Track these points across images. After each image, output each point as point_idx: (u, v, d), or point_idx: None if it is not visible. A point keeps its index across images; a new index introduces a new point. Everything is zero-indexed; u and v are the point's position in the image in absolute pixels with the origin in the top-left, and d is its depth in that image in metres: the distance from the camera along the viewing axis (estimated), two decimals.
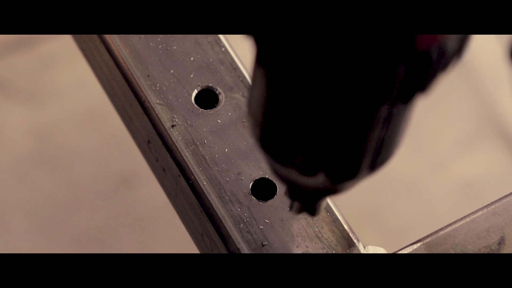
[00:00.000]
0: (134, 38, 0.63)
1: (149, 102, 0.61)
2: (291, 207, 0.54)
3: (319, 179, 0.45)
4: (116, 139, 1.64)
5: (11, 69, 1.71)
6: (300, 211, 0.53)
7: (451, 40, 0.38)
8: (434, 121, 1.76)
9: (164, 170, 0.62)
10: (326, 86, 0.38)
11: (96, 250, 1.56)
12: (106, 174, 1.63)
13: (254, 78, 0.43)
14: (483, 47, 1.83)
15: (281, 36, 0.38)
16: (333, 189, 0.49)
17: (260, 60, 0.40)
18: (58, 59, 1.73)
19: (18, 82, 1.71)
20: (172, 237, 1.57)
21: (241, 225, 0.58)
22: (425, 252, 0.58)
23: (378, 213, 1.65)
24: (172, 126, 0.60)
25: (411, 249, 0.59)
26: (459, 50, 0.40)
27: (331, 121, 0.41)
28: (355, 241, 0.58)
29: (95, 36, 0.64)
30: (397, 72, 0.37)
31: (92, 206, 1.60)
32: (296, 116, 0.42)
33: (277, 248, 0.57)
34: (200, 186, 0.59)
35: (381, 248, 0.59)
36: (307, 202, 0.52)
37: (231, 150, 0.60)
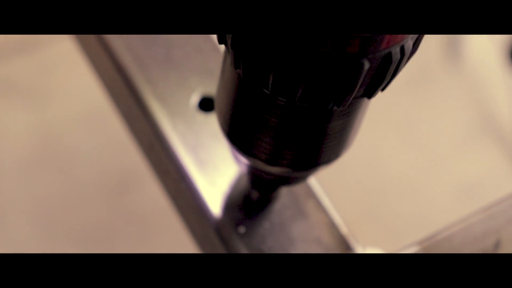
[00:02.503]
0: (136, 43, 0.64)
1: (150, 107, 0.62)
2: (250, 195, 0.58)
3: (281, 169, 0.49)
4: (117, 140, 1.64)
5: (14, 71, 1.72)
6: (257, 199, 0.58)
7: (408, 40, 0.41)
8: (432, 122, 1.77)
9: (165, 174, 0.63)
10: (291, 83, 0.42)
11: (96, 250, 1.56)
12: (107, 175, 1.63)
13: (222, 76, 0.47)
14: (482, 48, 1.83)
15: (254, 40, 0.41)
16: (293, 179, 0.53)
17: (233, 63, 0.44)
18: (61, 61, 1.73)
19: (21, 83, 1.71)
20: (172, 237, 1.57)
21: (241, 229, 0.58)
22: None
23: (376, 213, 1.65)
24: (176, 134, 0.61)
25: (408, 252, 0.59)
26: (414, 48, 0.43)
27: (293, 117, 0.45)
28: (354, 244, 0.59)
29: (96, 41, 0.65)
30: (361, 68, 0.40)
31: (93, 207, 1.60)
32: (261, 111, 0.45)
33: (277, 251, 0.58)
34: (201, 190, 0.59)
35: (379, 250, 0.60)
36: (266, 191, 0.57)
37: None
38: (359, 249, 0.59)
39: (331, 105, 0.43)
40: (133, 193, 1.62)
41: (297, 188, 0.60)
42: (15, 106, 1.68)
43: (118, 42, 0.64)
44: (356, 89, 0.42)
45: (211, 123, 0.61)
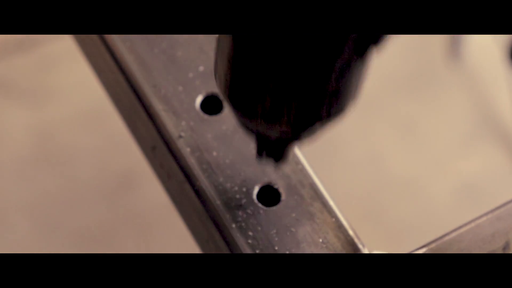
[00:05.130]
0: (139, 44, 0.63)
1: (154, 109, 0.61)
2: (259, 156, 0.57)
3: (283, 127, 0.49)
4: (117, 139, 1.64)
5: (13, 70, 1.71)
6: (267, 158, 0.57)
7: None
8: (434, 121, 1.77)
9: (169, 176, 0.62)
10: (285, 42, 0.43)
11: (96, 250, 1.56)
12: (107, 174, 1.63)
13: (218, 44, 0.48)
14: (482, 48, 1.83)
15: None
16: (295, 137, 0.53)
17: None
18: (60, 60, 1.73)
19: (20, 82, 1.71)
20: (173, 236, 1.57)
21: (247, 231, 0.58)
22: None
23: (379, 214, 1.65)
24: (180, 136, 0.60)
25: None
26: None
27: (291, 73, 0.46)
28: (360, 246, 0.58)
29: (99, 42, 0.64)
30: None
31: (93, 206, 1.60)
32: (260, 71, 0.46)
33: None
34: (205, 193, 0.59)
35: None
36: (274, 150, 0.56)
37: (236, 157, 0.60)
38: (365, 252, 0.58)
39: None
40: (133, 192, 1.62)
41: (302, 190, 0.59)
42: (14, 105, 1.68)
43: (121, 45, 0.63)
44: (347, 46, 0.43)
45: (215, 124, 0.61)
